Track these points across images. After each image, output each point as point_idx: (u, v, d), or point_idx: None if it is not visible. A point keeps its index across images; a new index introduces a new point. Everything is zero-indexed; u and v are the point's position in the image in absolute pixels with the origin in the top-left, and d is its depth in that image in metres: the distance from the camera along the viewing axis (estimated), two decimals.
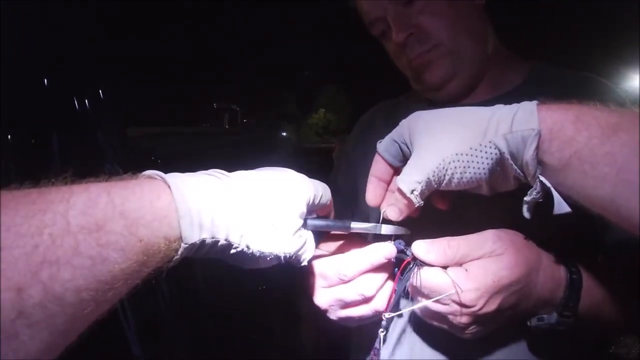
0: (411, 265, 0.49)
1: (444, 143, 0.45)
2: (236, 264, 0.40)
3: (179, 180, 0.35)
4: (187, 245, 0.34)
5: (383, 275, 0.51)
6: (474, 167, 0.43)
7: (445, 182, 0.45)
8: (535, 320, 0.52)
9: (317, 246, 0.48)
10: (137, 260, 0.31)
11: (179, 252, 0.34)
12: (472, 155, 0.43)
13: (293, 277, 0.61)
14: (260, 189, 0.40)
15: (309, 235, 0.45)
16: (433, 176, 0.44)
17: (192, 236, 0.34)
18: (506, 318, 0.50)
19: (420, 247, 0.49)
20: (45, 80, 0.93)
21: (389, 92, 1.02)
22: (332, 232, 0.54)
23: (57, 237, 0.28)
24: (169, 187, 0.35)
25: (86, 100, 0.93)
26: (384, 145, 0.52)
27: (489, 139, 0.42)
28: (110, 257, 0.30)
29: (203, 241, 0.35)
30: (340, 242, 0.55)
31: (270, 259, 0.40)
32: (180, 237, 0.34)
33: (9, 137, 0.92)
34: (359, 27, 0.81)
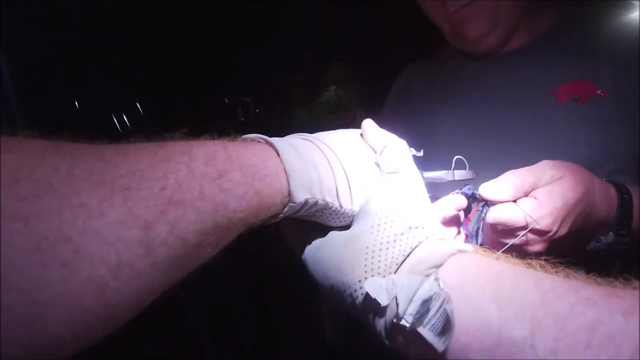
0: (482, 208, 0.50)
1: None
2: (323, 222, 0.41)
3: (283, 144, 0.37)
4: (294, 204, 0.36)
5: (454, 228, 0.53)
6: None
7: None
8: (594, 243, 0.54)
9: None
10: (252, 210, 0.32)
11: (285, 210, 0.36)
12: None
13: None
14: (349, 150, 0.41)
15: None
16: None
17: (299, 196, 0.36)
18: (572, 242, 0.52)
19: (488, 188, 0.49)
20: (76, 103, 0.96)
21: (397, 61, 1.03)
22: None
23: (183, 181, 0.28)
24: (275, 150, 0.36)
25: (123, 115, 0.96)
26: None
27: None
28: (231, 204, 0.31)
29: (306, 201, 0.36)
30: None
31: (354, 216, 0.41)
32: (288, 196, 0.35)
33: None
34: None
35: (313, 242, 0.40)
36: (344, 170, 0.40)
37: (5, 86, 0.86)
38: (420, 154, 0.44)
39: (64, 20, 1.05)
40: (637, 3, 0.70)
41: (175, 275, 0.29)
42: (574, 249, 0.53)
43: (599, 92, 0.68)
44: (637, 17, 0.70)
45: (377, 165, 0.42)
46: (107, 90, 1.16)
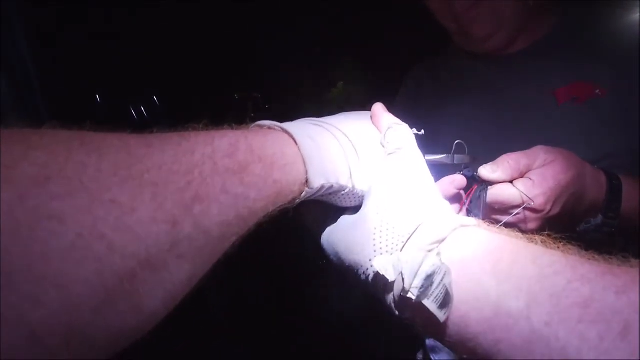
0: (480, 188, 0.53)
1: None
2: (336, 203, 0.42)
3: (299, 130, 0.38)
4: (311, 190, 0.37)
5: (455, 206, 0.56)
6: None
7: None
8: (584, 224, 0.58)
9: None
10: (271, 199, 0.34)
11: (302, 195, 0.37)
12: None
13: None
14: (360, 132, 0.43)
15: None
16: None
17: (315, 182, 0.37)
18: (565, 222, 0.55)
19: (486, 169, 0.53)
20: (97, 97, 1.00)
21: (406, 57, 1.06)
22: None
23: (207, 176, 0.29)
24: (291, 137, 0.38)
25: (142, 107, 1.00)
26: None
27: None
28: (251, 196, 0.32)
29: (322, 186, 0.38)
30: None
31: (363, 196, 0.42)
32: (306, 182, 0.37)
33: None
34: None
35: (327, 227, 0.43)
36: (356, 152, 0.41)
37: (32, 82, 0.90)
38: (422, 132, 0.45)
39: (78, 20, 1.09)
40: (638, 3, 0.72)
41: (201, 267, 0.30)
42: (567, 229, 0.56)
43: (597, 92, 0.70)
44: (637, 18, 0.72)
45: (382, 146, 0.44)
46: (123, 86, 1.20)
